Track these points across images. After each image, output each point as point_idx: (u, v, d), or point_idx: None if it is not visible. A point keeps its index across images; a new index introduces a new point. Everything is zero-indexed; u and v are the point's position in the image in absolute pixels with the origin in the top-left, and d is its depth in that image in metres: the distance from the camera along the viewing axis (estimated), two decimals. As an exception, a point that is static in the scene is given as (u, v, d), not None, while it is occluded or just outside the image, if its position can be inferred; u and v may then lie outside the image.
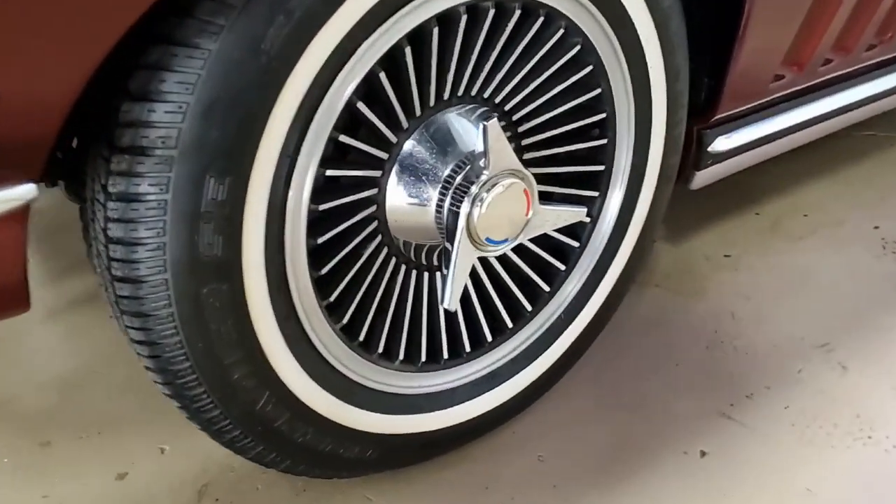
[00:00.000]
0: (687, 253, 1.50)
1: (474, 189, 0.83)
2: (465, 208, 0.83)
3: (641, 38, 0.92)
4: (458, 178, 0.84)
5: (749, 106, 1.18)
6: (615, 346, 1.24)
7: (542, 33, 0.87)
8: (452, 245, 0.84)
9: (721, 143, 1.17)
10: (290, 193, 0.73)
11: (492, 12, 0.80)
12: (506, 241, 0.88)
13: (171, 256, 0.67)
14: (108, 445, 1.04)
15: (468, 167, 0.84)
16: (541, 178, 0.98)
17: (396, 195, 0.85)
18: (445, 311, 0.90)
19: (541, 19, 0.85)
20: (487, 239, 0.86)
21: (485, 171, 0.83)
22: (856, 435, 1.07)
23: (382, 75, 0.75)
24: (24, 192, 0.58)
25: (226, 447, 0.82)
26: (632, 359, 1.22)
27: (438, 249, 0.90)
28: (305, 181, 0.74)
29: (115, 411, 1.09)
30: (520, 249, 0.98)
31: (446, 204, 0.84)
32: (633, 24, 0.90)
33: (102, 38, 0.57)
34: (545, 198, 0.99)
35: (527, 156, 0.96)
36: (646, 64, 0.94)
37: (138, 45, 0.63)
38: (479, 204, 0.83)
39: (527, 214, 0.88)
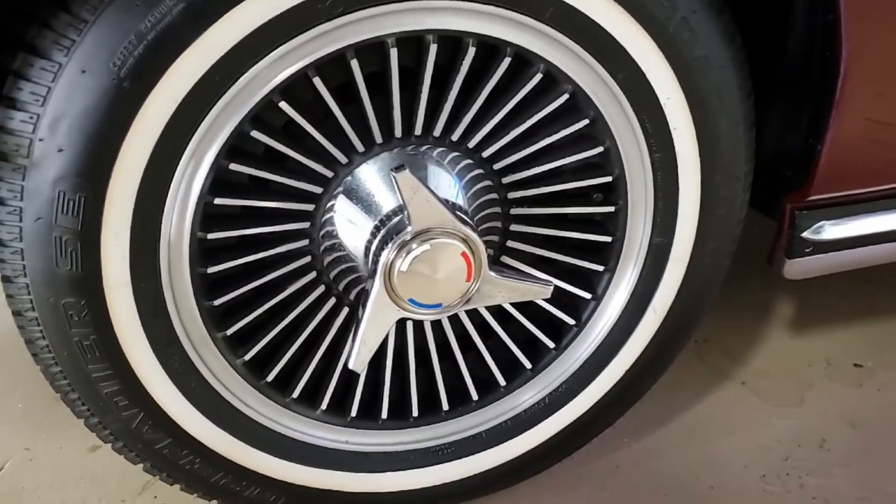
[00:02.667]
0: (802, 351, 1.21)
1: (400, 239, 0.72)
2: (385, 257, 0.72)
3: (659, 96, 0.73)
4: (391, 223, 0.74)
5: (868, 190, 0.91)
6: (650, 445, 1.04)
7: (519, 77, 0.73)
8: (369, 294, 0.74)
9: (828, 230, 0.92)
10: (164, 218, 0.68)
11: (433, 47, 0.68)
12: (438, 306, 0.76)
13: (29, 263, 0.67)
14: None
15: (401, 216, 0.73)
16: (537, 241, 0.84)
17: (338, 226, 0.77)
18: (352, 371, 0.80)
19: (507, 59, 0.70)
20: (412, 300, 0.75)
21: (409, 225, 0.71)
22: None
23: (284, 104, 0.67)
24: None
25: (119, 454, 0.81)
26: (686, 465, 1.01)
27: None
28: (187, 207, 0.69)
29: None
30: (502, 312, 0.85)
31: (373, 246, 0.74)
32: (643, 74, 0.72)
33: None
34: (546, 262, 0.85)
35: (514, 211, 0.82)
36: (665, 122, 0.75)
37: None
38: (403, 257, 0.72)
39: (468, 281, 0.75)
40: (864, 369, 1.17)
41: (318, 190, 0.75)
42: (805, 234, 0.92)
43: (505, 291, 0.77)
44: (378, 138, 0.74)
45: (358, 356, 0.75)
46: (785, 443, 1.05)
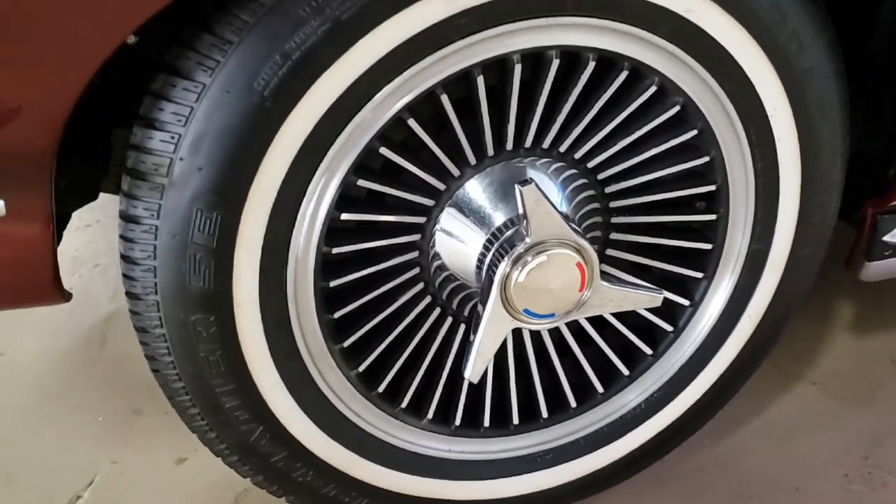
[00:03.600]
0: (868, 351, 1.22)
1: (517, 251, 0.73)
2: (502, 270, 0.74)
3: (766, 107, 0.74)
4: (505, 236, 0.75)
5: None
6: (730, 447, 1.05)
7: (632, 89, 0.74)
8: (484, 307, 0.75)
9: (905, 234, 0.93)
10: (294, 234, 0.69)
11: (555, 62, 0.69)
12: (552, 315, 0.77)
13: (161, 280, 0.67)
14: (183, 427, 1.10)
15: (515, 228, 0.74)
16: (635, 248, 0.85)
17: (446, 242, 0.78)
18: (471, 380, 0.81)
19: (624, 73, 0.72)
20: (526, 310, 0.76)
21: (527, 237, 0.72)
22: None
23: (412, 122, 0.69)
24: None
25: (231, 468, 0.82)
26: (741, 471, 1.02)
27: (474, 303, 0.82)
28: (315, 223, 0.70)
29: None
30: (598, 319, 0.86)
31: (487, 259, 0.75)
32: (753, 87, 0.73)
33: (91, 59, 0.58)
34: (641, 269, 0.86)
35: (615, 219, 0.83)
36: (770, 134, 0.76)
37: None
38: (520, 269, 0.73)
39: (581, 291, 0.76)
40: (931, 367, 1.19)
41: (430, 203, 0.76)
42: (886, 238, 0.93)
43: (616, 300, 0.79)
44: (490, 151, 0.75)
45: (475, 367, 0.76)
46: (863, 442, 1.06)
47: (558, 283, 0.75)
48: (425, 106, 0.70)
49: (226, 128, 0.62)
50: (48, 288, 0.71)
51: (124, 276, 0.70)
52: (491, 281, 0.74)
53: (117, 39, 0.57)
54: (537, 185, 0.69)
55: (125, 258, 0.69)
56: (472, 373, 0.77)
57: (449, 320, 0.84)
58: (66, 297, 0.73)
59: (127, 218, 0.67)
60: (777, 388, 1.15)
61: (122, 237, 0.68)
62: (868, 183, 0.91)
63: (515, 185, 0.70)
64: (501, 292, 0.74)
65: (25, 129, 0.60)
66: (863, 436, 1.07)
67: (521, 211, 0.71)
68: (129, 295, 0.71)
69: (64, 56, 0.58)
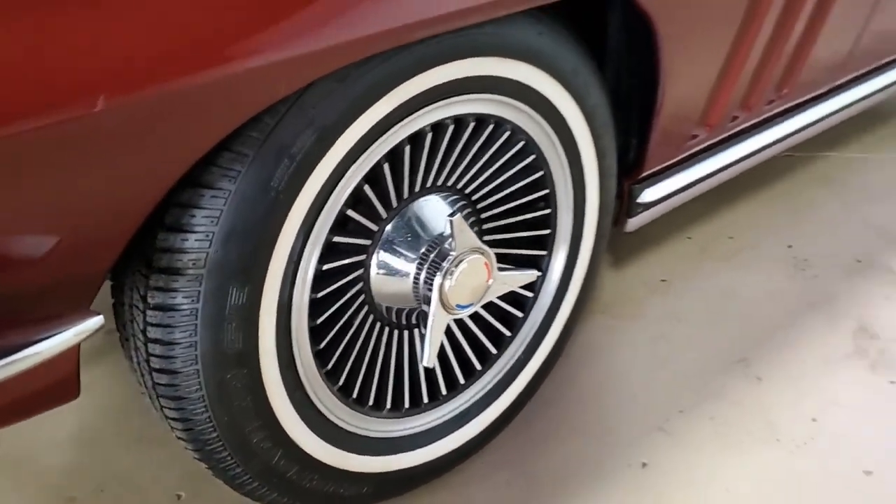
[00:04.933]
0: (628, 281, 1.69)
1: (446, 265, 0.99)
2: (437, 281, 1.00)
3: (574, 131, 1.09)
4: (432, 256, 1.00)
5: (670, 162, 1.38)
6: (567, 374, 1.43)
7: (494, 136, 1.04)
8: (429, 313, 1.01)
9: (649, 195, 1.36)
10: (295, 290, 0.89)
11: (451, 127, 0.97)
12: (472, 304, 1.05)
13: (202, 351, 0.82)
14: (129, 496, 1.18)
15: (439, 247, 1.00)
16: (500, 243, 1.16)
17: (381, 272, 1.01)
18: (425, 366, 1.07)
19: (491, 126, 1.02)
20: (457, 305, 1.03)
21: (451, 252, 0.99)
22: (766, 439, 1.27)
23: (366, 187, 0.92)
24: (95, 322, 0.73)
25: (245, 496, 0.98)
26: (582, 384, 1.41)
27: (416, 312, 1.07)
28: (307, 278, 0.90)
29: (133, 462, 1.23)
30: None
31: (422, 277, 1.00)
32: (568, 125, 1.08)
33: (158, 189, 0.72)
34: (505, 260, 1.17)
35: (486, 226, 1.13)
36: (578, 150, 1.12)
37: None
38: (450, 277, 1.00)
39: (488, 281, 1.05)
40: (667, 282, 1.69)
41: (368, 242, 0.99)
42: (638, 200, 1.37)
43: (510, 282, 1.09)
44: (405, 195, 1.00)
45: (429, 357, 1.02)
46: (647, 343, 1.51)
47: (475, 280, 1.03)
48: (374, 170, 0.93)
49: (250, 221, 0.80)
50: (72, 393, 0.81)
51: (158, 357, 0.83)
52: (430, 292, 1.00)
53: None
54: (460, 215, 0.97)
55: (161, 342, 0.82)
56: (427, 360, 1.02)
57: (388, 330, 1.07)
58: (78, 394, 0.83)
59: (165, 308, 0.81)
60: (581, 323, 1.56)
61: (157, 325, 0.82)
62: (622, 166, 1.33)
63: (446, 217, 0.96)
64: (440, 298, 1.00)
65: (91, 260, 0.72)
66: (646, 340, 1.52)
67: (449, 234, 0.98)
68: (164, 372, 0.84)
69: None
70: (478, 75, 0.93)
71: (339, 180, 0.87)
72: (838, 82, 1.73)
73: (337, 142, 0.83)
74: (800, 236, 1.84)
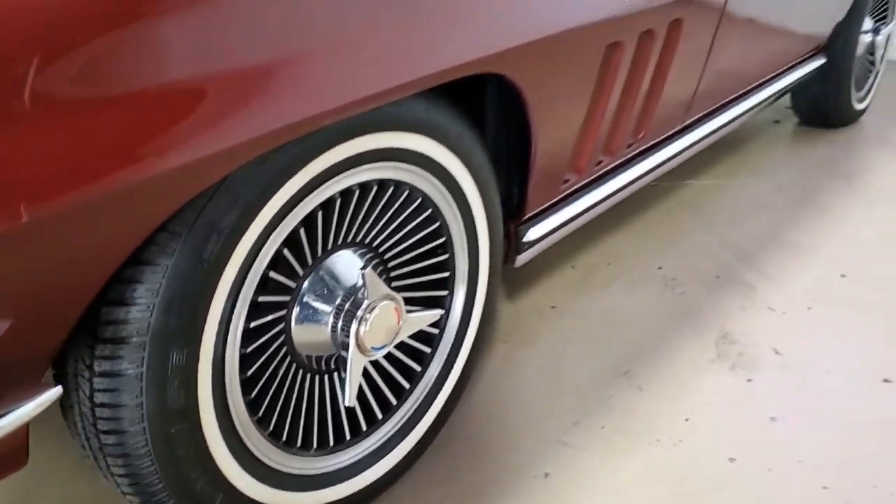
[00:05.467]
0: (522, 310, 1.87)
1: (360, 313, 1.12)
2: (353, 328, 1.12)
3: (463, 186, 1.26)
4: (347, 305, 1.13)
5: (549, 203, 1.57)
6: (476, 398, 1.57)
7: (394, 196, 1.19)
8: (347, 357, 1.13)
9: (532, 234, 1.54)
10: (227, 347, 0.99)
11: (357, 192, 1.11)
12: (385, 345, 1.18)
13: (148, 411, 0.91)
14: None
15: (353, 297, 1.13)
16: (406, 287, 1.30)
17: (300, 324, 1.13)
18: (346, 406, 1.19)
19: (392, 188, 1.17)
20: (373, 347, 1.16)
21: (365, 300, 1.12)
22: (649, 441, 1.46)
23: (286, 251, 1.04)
24: (54, 393, 0.81)
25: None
26: (489, 407, 1.56)
27: (335, 357, 1.19)
28: (236, 335, 1.01)
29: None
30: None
31: (339, 325, 1.13)
32: (457, 181, 1.24)
33: (108, 270, 0.82)
34: (412, 302, 1.31)
35: (394, 273, 1.27)
36: (468, 202, 1.28)
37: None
38: (365, 323, 1.13)
39: (398, 324, 1.19)
40: (557, 308, 1.87)
41: (287, 298, 1.11)
42: (523, 239, 1.55)
43: (417, 322, 1.23)
44: (319, 253, 1.13)
45: (350, 397, 1.14)
46: (545, 366, 1.68)
47: (387, 323, 1.16)
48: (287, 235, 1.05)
49: (186, 291, 0.90)
50: (21, 462, 0.88)
51: (106, 419, 0.91)
52: (347, 338, 1.12)
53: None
54: (370, 266, 1.10)
55: (109, 406, 0.91)
56: (349, 400, 1.15)
57: (311, 376, 1.19)
58: (26, 462, 0.91)
59: (112, 374, 0.89)
60: (485, 351, 1.71)
61: (104, 390, 0.90)
62: (508, 211, 1.51)
63: (359, 270, 1.10)
64: (356, 343, 1.13)
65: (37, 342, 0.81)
66: (544, 362, 1.69)
67: (362, 284, 1.11)
68: (112, 433, 0.92)
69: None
70: (377, 148, 1.07)
71: (262, 247, 0.99)
72: (687, 122, 2.00)
73: (259, 214, 0.95)
74: (668, 258, 2.08)
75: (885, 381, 1.62)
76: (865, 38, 2.92)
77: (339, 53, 0.90)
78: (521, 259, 1.57)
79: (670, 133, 1.94)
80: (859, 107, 3.09)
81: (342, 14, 0.90)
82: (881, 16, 3.05)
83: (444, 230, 1.29)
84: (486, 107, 1.33)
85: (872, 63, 3.10)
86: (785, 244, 2.16)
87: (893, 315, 1.83)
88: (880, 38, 3.01)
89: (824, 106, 2.94)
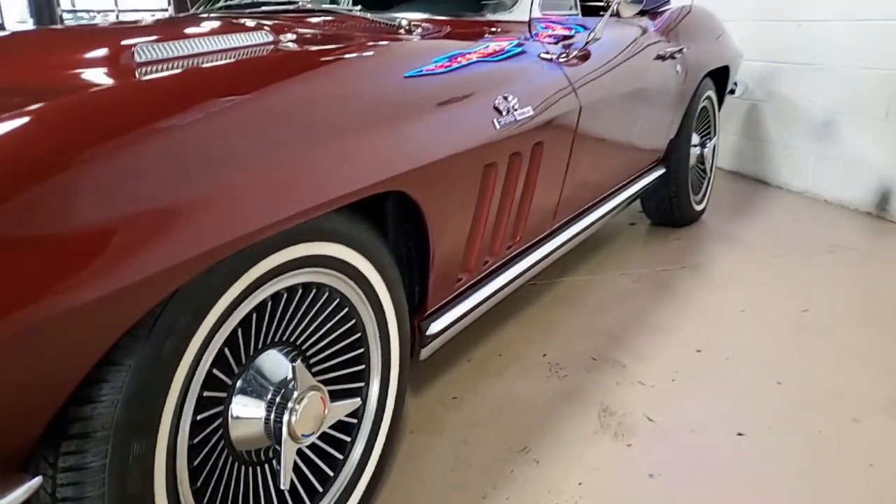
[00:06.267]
0: (428, 402, 2.04)
1: (291, 405, 1.27)
2: (285, 418, 1.26)
3: (375, 287, 1.46)
4: (278, 398, 1.27)
5: (446, 300, 1.79)
6: (393, 483, 1.71)
7: (316, 297, 1.37)
8: (280, 445, 1.26)
9: (434, 327, 1.74)
10: (178, 438, 1.11)
11: (285, 296, 1.28)
12: (314, 433, 1.33)
13: (109, 499, 1.01)
14: None
15: (284, 389, 1.28)
16: (328, 380, 1.45)
17: (237, 417, 1.25)
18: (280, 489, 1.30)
19: (315, 290, 1.35)
20: (303, 435, 1.30)
21: (295, 392, 1.27)
22: (550, 505, 1.64)
23: (226, 350, 1.19)
24: (35, 483, 0.90)
25: None
26: (406, 491, 1.69)
27: (269, 447, 1.31)
28: (185, 427, 1.13)
29: None
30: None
31: (272, 416, 1.26)
32: (371, 283, 1.44)
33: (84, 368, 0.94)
34: (332, 394, 1.46)
35: (316, 368, 1.42)
36: (379, 301, 1.48)
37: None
38: (295, 413, 1.27)
39: (324, 412, 1.34)
40: (458, 398, 2.06)
41: (224, 395, 1.24)
42: (427, 333, 1.75)
43: (340, 410, 1.38)
44: (251, 352, 1.28)
45: (286, 480, 1.27)
46: (450, 451, 1.84)
47: (315, 412, 1.31)
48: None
49: (146, 387, 1.03)
50: None
51: (70, 512, 1.00)
52: (280, 429, 1.26)
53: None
54: (300, 360, 1.26)
55: (71, 499, 1.00)
56: (284, 483, 1.27)
57: (246, 467, 1.30)
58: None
59: (77, 468, 0.99)
60: (397, 441, 1.86)
61: (68, 484, 0.99)
62: (412, 308, 1.71)
63: (289, 363, 1.25)
64: (290, 431, 1.27)
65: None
66: (449, 448, 1.85)
67: (292, 378, 1.26)
68: (75, 521, 1.01)
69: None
70: (304, 255, 1.26)
71: (208, 345, 1.13)
72: (555, 226, 2.31)
73: (207, 316, 1.10)
74: (551, 346, 2.33)
75: (739, 434, 1.89)
76: (695, 151, 3.44)
77: (259, 185, 1.09)
78: (426, 352, 1.77)
79: (542, 236, 2.24)
80: (698, 208, 3.59)
81: (263, 152, 1.10)
82: (706, 132, 3.61)
83: (359, 327, 1.47)
84: (387, 218, 1.55)
85: (704, 171, 3.62)
86: (647, 327, 2.47)
87: (739, 379, 2.15)
88: (707, 151, 3.55)
89: (669, 208, 3.40)
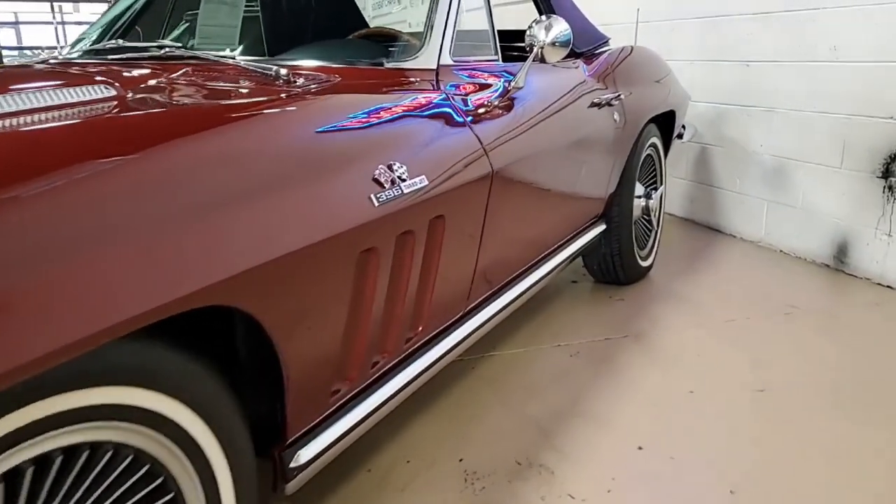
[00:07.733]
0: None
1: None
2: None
3: (202, 446, 1.11)
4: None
5: (320, 418, 1.43)
6: None
7: (132, 468, 1.02)
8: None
9: (302, 456, 1.38)
10: None
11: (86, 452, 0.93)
12: None
13: None
14: None
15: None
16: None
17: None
18: None
19: (131, 457, 1.00)
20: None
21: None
22: None
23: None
24: None
25: None
26: None
27: None
28: None
29: None
30: None
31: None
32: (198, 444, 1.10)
33: None
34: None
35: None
36: (209, 463, 1.13)
37: None
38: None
39: None
40: None
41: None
42: (290, 465, 1.39)
43: None
44: None
45: None
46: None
47: None
48: None
49: None
50: None
51: None
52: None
53: None
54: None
55: None
56: None
57: None
58: None
59: None
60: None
61: None
62: (268, 437, 1.35)
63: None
64: None
65: None
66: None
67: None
68: None
69: None
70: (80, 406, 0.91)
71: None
72: (470, 306, 1.98)
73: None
74: (468, 446, 1.99)
75: (685, 569, 1.56)
76: (640, 202, 3.16)
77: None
78: (293, 486, 1.40)
79: (454, 319, 1.91)
80: (645, 263, 3.30)
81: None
82: (651, 181, 3.34)
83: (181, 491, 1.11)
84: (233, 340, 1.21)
85: (650, 223, 3.34)
86: (582, 416, 2.14)
87: (685, 489, 1.82)
88: (653, 202, 3.27)
89: (612, 267, 3.10)
